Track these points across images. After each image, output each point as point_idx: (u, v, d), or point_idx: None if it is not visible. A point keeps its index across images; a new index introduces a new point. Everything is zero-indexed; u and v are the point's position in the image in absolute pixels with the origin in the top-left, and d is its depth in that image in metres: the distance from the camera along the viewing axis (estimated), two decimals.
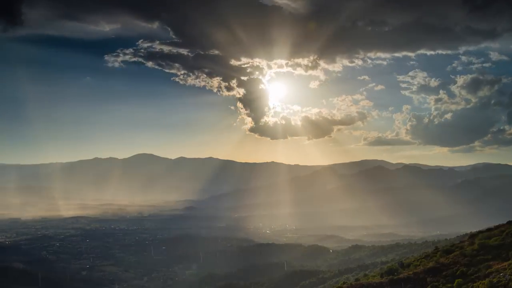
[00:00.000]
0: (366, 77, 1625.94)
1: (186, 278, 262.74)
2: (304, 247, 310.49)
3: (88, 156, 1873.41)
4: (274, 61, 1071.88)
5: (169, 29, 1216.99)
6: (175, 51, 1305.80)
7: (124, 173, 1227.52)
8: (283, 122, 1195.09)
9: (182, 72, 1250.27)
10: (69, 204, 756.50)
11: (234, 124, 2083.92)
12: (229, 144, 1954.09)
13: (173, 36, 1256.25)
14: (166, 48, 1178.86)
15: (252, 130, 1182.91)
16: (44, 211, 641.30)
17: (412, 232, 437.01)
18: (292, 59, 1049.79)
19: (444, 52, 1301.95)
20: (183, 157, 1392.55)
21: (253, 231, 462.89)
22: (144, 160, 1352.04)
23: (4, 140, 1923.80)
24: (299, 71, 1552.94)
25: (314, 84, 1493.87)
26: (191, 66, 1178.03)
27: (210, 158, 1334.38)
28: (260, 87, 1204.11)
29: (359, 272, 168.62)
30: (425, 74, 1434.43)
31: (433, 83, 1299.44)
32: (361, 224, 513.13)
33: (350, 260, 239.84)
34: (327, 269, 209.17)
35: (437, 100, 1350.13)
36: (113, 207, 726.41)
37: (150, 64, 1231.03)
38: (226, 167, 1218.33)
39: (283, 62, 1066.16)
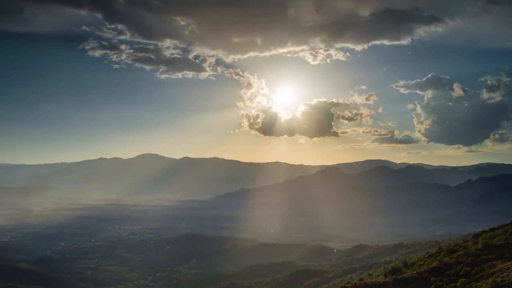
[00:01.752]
0: (367, 72, 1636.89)
1: (190, 277, 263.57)
2: (308, 246, 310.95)
3: (93, 156, 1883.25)
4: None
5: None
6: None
7: (129, 173, 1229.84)
8: (283, 118, 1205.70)
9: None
10: (74, 203, 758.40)
11: (238, 124, 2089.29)
12: (234, 144, 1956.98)
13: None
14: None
15: (251, 126, 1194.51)
16: (49, 211, 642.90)
17: (415, 232, 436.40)
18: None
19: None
20: (187, 157, 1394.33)
21: (258, 230, 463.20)
22: (149, 160, 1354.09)
23: (9, 141, 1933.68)
24: (291, 60, 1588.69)
25: (313, 77, 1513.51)
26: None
27: (215, 158, 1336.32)
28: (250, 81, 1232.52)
29: (363, 271, 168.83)
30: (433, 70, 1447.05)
31: (441, 79, 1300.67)
32: (365, 224, 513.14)
33: (354, 259, 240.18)
34: (331, 269, 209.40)
35: (444, 97, 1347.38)
36: (118, 207, 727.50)
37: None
38: (231, 167, 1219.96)
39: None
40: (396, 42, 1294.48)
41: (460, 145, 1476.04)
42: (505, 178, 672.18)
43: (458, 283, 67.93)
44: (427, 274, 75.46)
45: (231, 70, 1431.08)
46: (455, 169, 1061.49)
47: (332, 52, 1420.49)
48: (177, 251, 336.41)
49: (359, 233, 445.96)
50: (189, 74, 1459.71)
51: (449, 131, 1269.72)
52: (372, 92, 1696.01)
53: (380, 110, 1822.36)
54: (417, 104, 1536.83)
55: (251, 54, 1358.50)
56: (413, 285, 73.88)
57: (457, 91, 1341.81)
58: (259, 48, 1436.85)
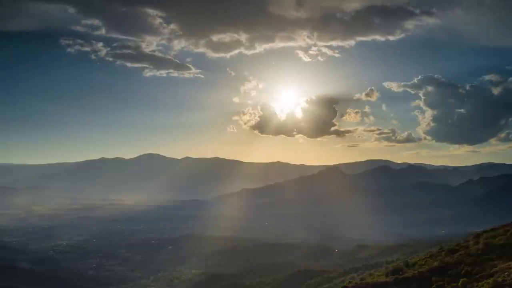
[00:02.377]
0: (365, 70, 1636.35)
1: (192, 277, 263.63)
2: (310, 246, 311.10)
3: (94, 156, 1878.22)
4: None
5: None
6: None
7: (131, 173, 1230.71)
8: (281, 116, 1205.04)
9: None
10: (75, 204, 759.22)
11: (237, 123, 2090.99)
12: (234, 144, 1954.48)
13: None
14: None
15: (249, 125, 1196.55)
16: (51, 211, 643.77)
17: (417, 232, 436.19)
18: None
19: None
20: (189, 157, 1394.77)
21: (259, 230, 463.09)
22: (150, 160, 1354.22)
23: (11, 141, 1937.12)
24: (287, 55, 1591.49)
25: (308, 75, 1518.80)
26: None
27: (216, 158, 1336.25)
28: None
29: (364, 271, 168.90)
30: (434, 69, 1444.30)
31: (441, 78, 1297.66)
32: (366, 223, 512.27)
33: (355, 259, 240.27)
34: (332, 269, 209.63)
35: (445, 95, 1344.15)
36: (119, 207, 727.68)
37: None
38: (232, 167, 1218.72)
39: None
40: (390, 38, 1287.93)
41: (464, 144, 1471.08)
42: (507, 178, 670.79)
43: (459, 283, 67.95)
44: (429, 274, 75.55)
45: (220, 68, 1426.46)
46: (456, 169, 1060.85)
47: (322, 49, 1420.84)
48: (178, 251, 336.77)
49: (360, 233, 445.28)
50: (174, 73, 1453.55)
51: (451, 130, 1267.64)
52: (373, 87, 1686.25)
53: (382, 108, 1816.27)
54: (419, 103, 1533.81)
55: (237, 51, 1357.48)
56: (415, 284, 73.97)
57: (460, 89, 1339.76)
58: (245, 46, 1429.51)
